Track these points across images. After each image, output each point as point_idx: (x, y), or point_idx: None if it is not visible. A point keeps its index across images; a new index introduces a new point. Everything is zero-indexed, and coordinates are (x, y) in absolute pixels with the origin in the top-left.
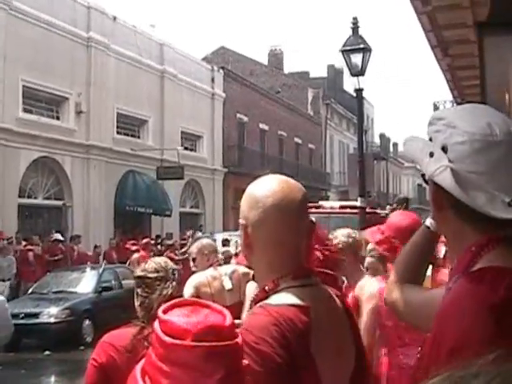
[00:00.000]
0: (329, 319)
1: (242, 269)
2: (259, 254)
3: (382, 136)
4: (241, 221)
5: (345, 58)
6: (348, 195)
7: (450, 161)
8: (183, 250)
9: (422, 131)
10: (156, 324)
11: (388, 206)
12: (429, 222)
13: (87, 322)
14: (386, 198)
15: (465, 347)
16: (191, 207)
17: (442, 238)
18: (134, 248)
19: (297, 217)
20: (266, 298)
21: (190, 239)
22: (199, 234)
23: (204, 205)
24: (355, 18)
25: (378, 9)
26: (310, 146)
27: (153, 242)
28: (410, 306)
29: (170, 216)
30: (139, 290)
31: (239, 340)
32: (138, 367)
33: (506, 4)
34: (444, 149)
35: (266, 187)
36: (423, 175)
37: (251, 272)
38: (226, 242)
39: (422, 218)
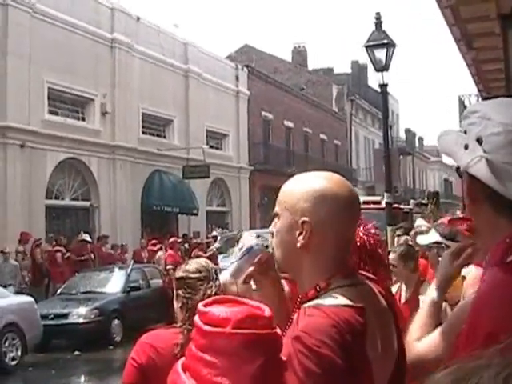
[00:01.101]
0: (377, 319)
1: None
2: (318, 252)
3: (407, 131)
4: (302, 219)
5: (368, 54)
6: (374, 191)
7: (485, 152)
8: (210, 247)
9: (447, 125)
10: (196, 317)
11: (412, 201)
12: (435, 294)
13: (116, 321)
14: (413, 193)
15: (502, 335)
16: (218, 205)
17: None
18: (155, 248)
19: (358, 212)
20: (316, 297)
21: (218, 237)
22: (226, 232)
23: (230, 203)
24: (378, 13)
25: (401, 3)
26: (336, 142)
27: (180, 240)
28: (433, 344)
29: (196, 215)
30: (181, 292)
31: (278, 331)
32: (179, 363)
33: None
34: (479, 140)
35: (329, 184)
36: (457, 169)
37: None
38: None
39: (449, 212)
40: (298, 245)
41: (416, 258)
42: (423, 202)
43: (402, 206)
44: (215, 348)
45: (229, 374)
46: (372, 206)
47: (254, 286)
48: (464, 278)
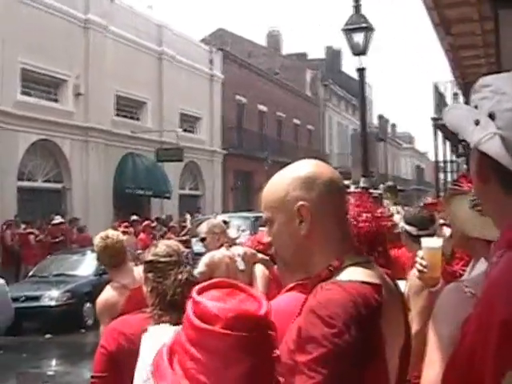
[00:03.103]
0: (389, 297)
1: (250, 250)
2: (323, 234)
3: (380, 117)
4: (298, 204)
5: (347, 37)
6: (348, 176)
7: (498, 128)
8: (183, 232)
9: (421, 112)
10: (189, 304)
11: (381, 185)
12: None
13: (88, 304)
14: (385, 179)
15: None
16: (190, 189)
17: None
18: (128, 231)
19: (346, 190)
20: (331, 277)
21: (189, 221)
22: (199, 216)
23: (203, 187)
24: None
25: None
26: (309, 127)
27: (153, 224)
28: None
29: (169, 198)
30: (150, 275)
31: (272, 332)
32: (166, 345)
33: None
34: (491, 116)
35: (312, 167)
36: (463, 143)
37: (258, 254)
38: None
39: (420, 199)
40: (303, 232)
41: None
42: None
43: (371, 191)
44: (202, 344)
45: (212, 374)
46: None
47: (241, 266)
48: (445, 257)
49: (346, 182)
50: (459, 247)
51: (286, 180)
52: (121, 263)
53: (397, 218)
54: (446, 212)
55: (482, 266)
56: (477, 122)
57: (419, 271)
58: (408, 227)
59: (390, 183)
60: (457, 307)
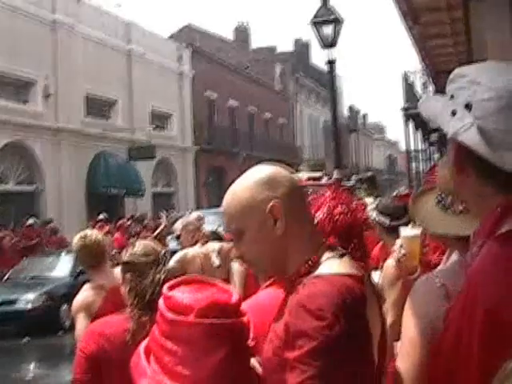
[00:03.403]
0: (367, 287)
1: (227, 246)
2: (297, 231)
3: (351, 108)
4: (270, 205)
5: (316, 30)
6: (320, 168)
7: (475, 118)
8: (158, 230)
9: (391, 102)
10: (160, 300)
11: (354, 176)
12: None
13: (65, 306)
14: (358, 169)
15: (503, 309)
16: (163, 186)
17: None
18: (103, 231)
19: (303, 187)
20: (310, 272)
21: (165, 219)
22: (175, 213)
23: (176, 183)
24: None
25: None
26: (281, 120)
27: (128, 223)
28: None
29: (142, 196)
30: (128, 275)
31: (245, 319)
32: (142, 345)
33: None
34: (468, 106)
35: (269, 168)
36: (437, 133)
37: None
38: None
39: (392, 188)
40: (279, 232)
41: None
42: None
43: (345, 182)
44: (177, 336)
45: (189, 364)
46: (311, 182)
47: (216, 263)
48: (423, 246)
49: (318, 174)
50: (432, 239)
51: (248, 186)
52: (100, 263)
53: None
54: (411, 211)
55: (455, 256)
56: (453, 113)
57: (398, 260)
58: (381, 218)
59: (369, 174)
60: (427, 299)
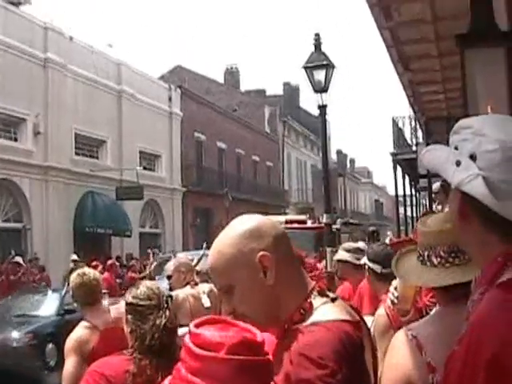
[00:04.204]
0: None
1: None
2: (287, 278)
3: (338, 152)
4: (259, 255)
5: (308, 75)
6: (307, 211)
7: (480, 169)
8: (146, 271)
9: (379, 147)
10: (187, 338)
11: (339, 220)
12: None
13: (50, 345)
14: (345, 213)
15: (508, 357)
16: (151, 227)
17: None
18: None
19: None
20: (303, 320)
21: (152, 259)
22: (160, 254)
23: (163, 224)
24: (317, 35)
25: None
26: (268, 163)
27: (118, 263)
28: None
29: (130, 236)
30: (130, 317)
31: (270, 357)
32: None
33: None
34: (472, 157)
35: (251, 220)
36: (443, 184)
37: None
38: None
39: (380, 234)
40: (270, 282)
41: None
42: (351, 221)
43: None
44: (208, 372)
45: None
46: (297, 225)
47: (207, 304)
48: (418, 289)
49: (303, 217)
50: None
51: (234, 241)
52: (95, 301)
53: (341, 253)
54: (394, 266)
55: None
56: (458, 163)
57: (391, 302)
58: (372, 265)
59: (371, 229)
60: (402, 352)
